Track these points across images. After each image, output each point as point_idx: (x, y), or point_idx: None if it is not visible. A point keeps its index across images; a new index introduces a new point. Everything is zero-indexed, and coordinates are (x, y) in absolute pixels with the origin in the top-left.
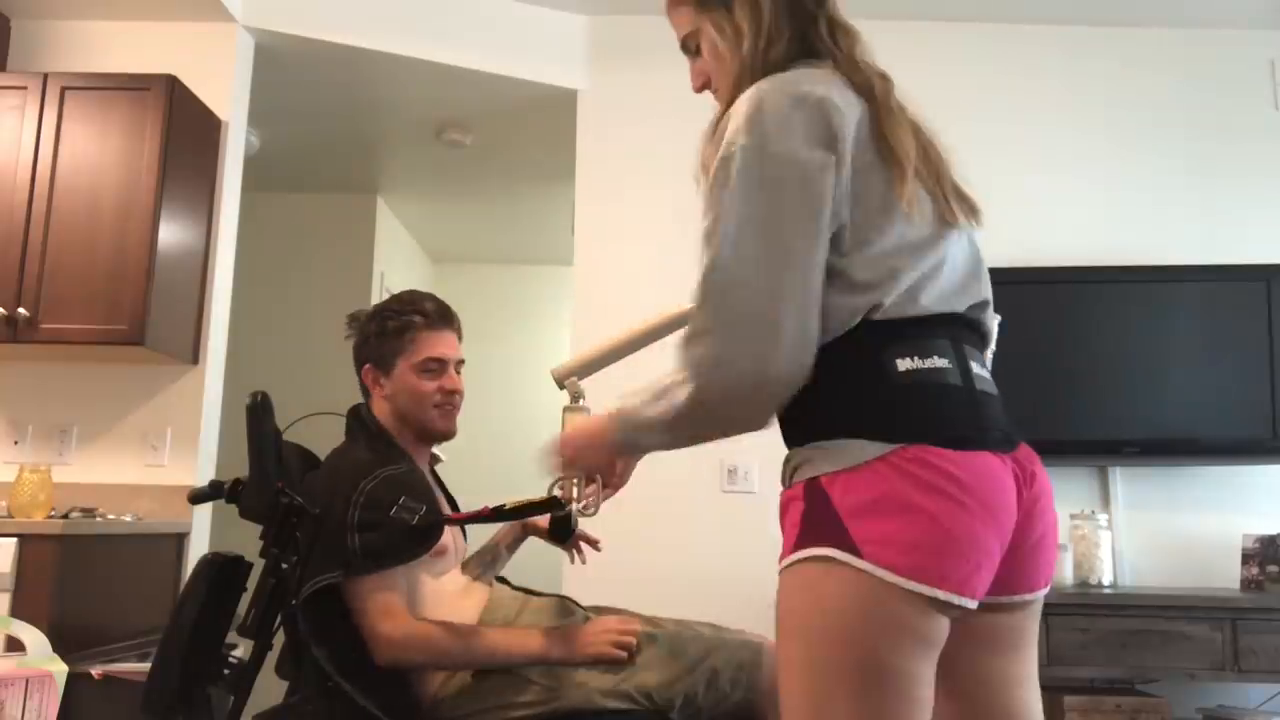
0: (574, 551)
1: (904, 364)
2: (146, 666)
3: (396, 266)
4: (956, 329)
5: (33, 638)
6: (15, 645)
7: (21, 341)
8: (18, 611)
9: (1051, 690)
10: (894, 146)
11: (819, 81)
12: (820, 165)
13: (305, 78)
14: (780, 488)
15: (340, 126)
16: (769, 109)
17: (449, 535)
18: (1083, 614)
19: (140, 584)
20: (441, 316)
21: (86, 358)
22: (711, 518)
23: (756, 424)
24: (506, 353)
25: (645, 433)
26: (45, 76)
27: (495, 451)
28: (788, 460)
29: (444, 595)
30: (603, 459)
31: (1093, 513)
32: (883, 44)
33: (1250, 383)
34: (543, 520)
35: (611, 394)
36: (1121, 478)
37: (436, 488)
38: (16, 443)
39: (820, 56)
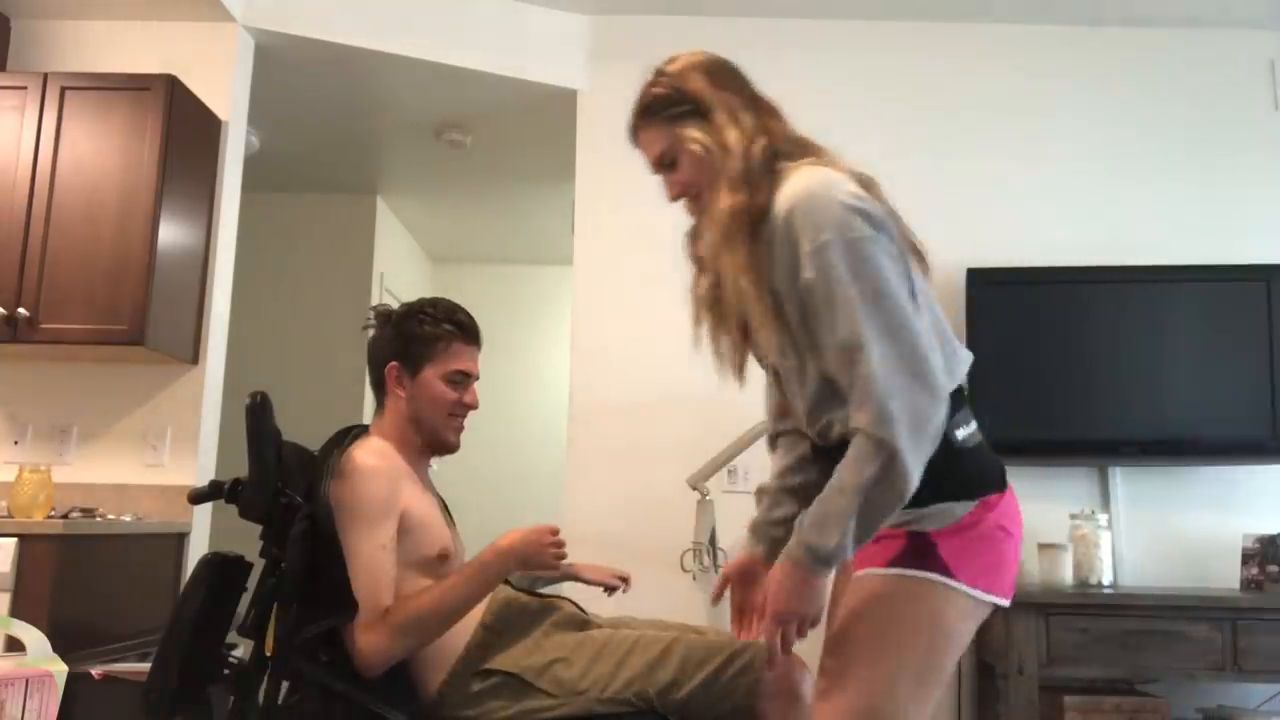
0: (606, 588)
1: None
2: (146, 666)
3: (396, 266)
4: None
5: (33, 638)
6: (15, 645)
7: (21, 341)
8: (18, 611)
9: (1051, 690)
10: (906, 232)
11: (847, 181)
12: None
13: (305, 78)
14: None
15: (340, 126)
16: (840, 208)
17: (450, 539)
18: (1083, 614)
19: (140, 584)
20: (474, 332)
21: (86, 358)
22: None
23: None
24: (506, 353)
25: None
26: (45, 76)
27: (493, 451)
28: None
29: None
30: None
31: (1093, 513)
32: (883, 44)
33: (1250, 383)
34: (587, 572)
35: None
36: (1121, 478)
37: (432, 493)
38: (16, 443)
39: (791, 156)
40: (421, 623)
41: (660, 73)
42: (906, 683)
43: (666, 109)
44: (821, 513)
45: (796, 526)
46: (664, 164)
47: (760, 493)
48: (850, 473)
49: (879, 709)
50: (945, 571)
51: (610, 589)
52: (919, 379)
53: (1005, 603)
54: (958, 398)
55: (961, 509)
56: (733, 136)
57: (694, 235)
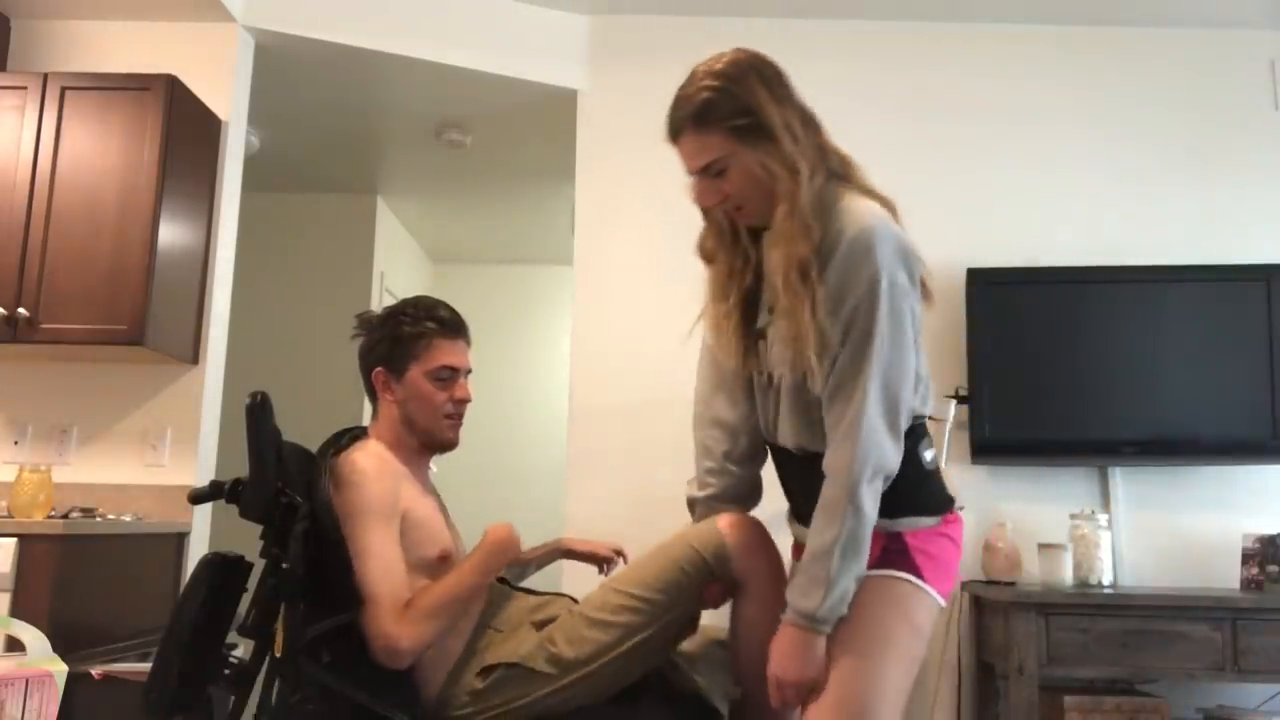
0: (603, 565)
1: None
2: (146, 666)
3: (396, 266)
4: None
5: (33, 638)
6: (15, 645)
7: (21, 341)
8: (18, 611)
9: (1051, 690)
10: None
11: (891, 218)
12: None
13: (305, 78)
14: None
15: (340, 126)
16: (894, 253)
17: (450, 539)
18: (1083, 614)
19: (140, 584)
20: (456, 326)
21: (86, 358)
22: None
23: None
24: (506, 353)
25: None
26: (45, 76)
27: (493, 451)
28: None
29: None
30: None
31: (1093, 513)
32: (884, 44)
33: (1250, 383)
34: (578, 545)
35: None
36: (1121, 478)
37: (433, 495)
38: (16, 443)
39: (839, 176)
40: (445, 607)
41: (711, 73)
42: (893, 677)
43: (726, 119)
44: (807, 579)
45: (788, 593)
46: (710, 172)
47: (693, 503)
48: (822, 535)
49: (869, 703)
50: (917, 574)
51: (604, 562)
52: (894, 429)
53: (945, 605)
54: (921, 426)
55: (927, 523)
56: (801, 166)
57: (715, 231)
